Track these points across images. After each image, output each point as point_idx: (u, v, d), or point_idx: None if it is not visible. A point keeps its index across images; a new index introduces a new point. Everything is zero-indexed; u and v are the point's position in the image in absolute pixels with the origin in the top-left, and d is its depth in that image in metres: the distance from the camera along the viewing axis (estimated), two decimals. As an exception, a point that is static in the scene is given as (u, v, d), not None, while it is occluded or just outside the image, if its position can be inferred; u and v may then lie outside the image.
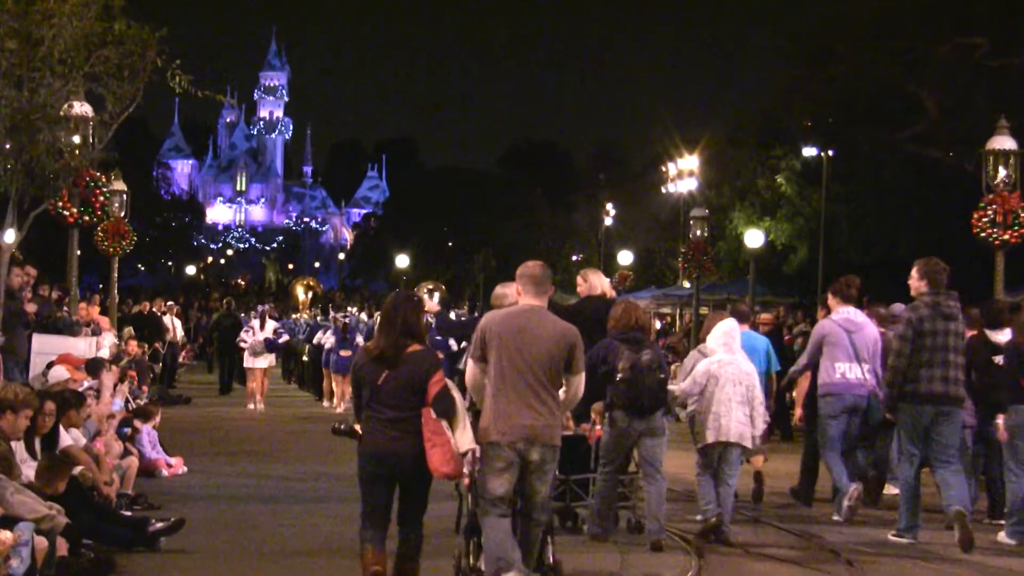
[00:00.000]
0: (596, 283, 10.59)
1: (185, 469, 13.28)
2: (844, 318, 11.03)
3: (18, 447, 8.60)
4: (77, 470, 9.28)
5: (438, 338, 17.17)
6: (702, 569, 8.76)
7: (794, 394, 15.72)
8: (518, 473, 6.94)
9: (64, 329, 15.32)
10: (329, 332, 22.72)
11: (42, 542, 7.36)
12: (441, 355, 12.35)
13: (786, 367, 12.92)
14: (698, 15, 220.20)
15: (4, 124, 12.14)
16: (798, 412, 11.13)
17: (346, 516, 9.87)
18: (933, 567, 9.17)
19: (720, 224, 37.41)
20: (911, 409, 9.86)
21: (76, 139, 13.84)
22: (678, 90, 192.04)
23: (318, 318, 29.66)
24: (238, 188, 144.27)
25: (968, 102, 28.98)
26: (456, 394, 6.98)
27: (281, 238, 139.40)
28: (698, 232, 29.77)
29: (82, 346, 15.24)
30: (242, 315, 27.41)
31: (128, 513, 9.96)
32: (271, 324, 22.31)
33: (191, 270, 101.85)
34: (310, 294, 32.41)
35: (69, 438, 9.89)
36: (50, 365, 12.94)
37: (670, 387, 9.77)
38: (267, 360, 21.94)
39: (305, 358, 26.45)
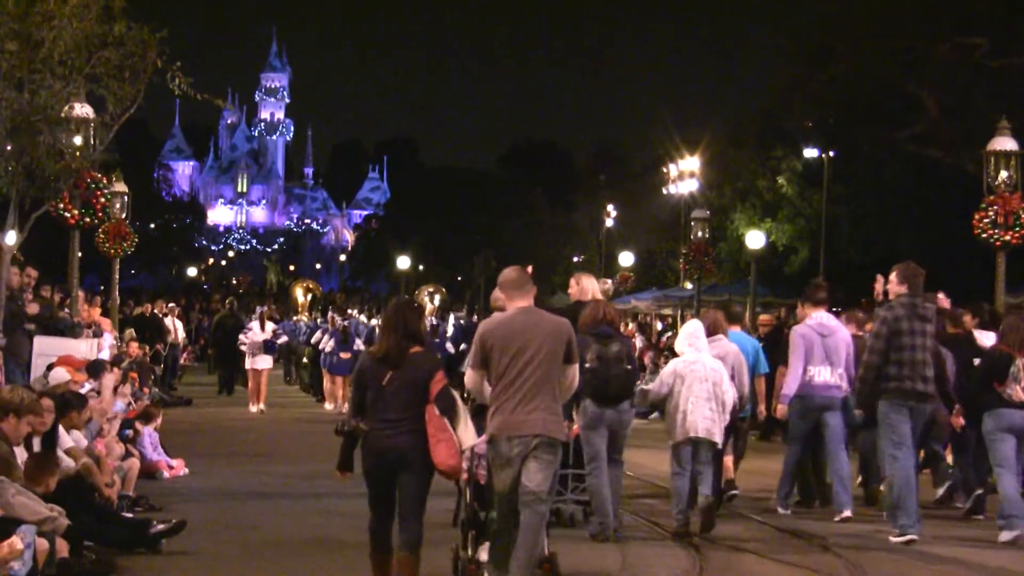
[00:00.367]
0: (588, 287, 10.67)
1: (186, 471, 13.27)
2: (817, 323, 11.34)
3: (19, 448, 8.60)
4: (68, 464, 9.26)
5: (435, 341, 17.26)
6: (703, 570, 8.78)
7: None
8: (520, 467, 7.13)
9: (65, 331, 15.31)
10: (326, 335, 22.72)
11: (43, 543, 7.38)
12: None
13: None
14: (698, 14, 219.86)
15: (5, 126, 12.16)
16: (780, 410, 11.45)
17: (347, 516, 9.89)
18: (933, 567, 9.18)
19: (721, 225, 37.42)
20: (889, 406, 10.00)
21: (77, 141, 13.87)
22: (678, 90, 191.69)
23: (318, 320, 29.63)
24: (239, 189, 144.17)
25: (968, 102, 28.98)
26: (455, 394, 7.27)
27: (282, 240, 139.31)
28: (699, 233, 29.79)
29: (83, 348, 15.23)
30: (243, 316, 27.39)
31: (129, 515, 9.97)
32: (270, 325, 22.30)
33: (192, 272, 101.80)
34: (309, 296, 32.36)
35: (70, 440, 9.90)
36: (51, 367, 12.92)
37: (642, 386, 9.96)
38: (267, 361, 21.95)
39: (305, 360, 26.44)
